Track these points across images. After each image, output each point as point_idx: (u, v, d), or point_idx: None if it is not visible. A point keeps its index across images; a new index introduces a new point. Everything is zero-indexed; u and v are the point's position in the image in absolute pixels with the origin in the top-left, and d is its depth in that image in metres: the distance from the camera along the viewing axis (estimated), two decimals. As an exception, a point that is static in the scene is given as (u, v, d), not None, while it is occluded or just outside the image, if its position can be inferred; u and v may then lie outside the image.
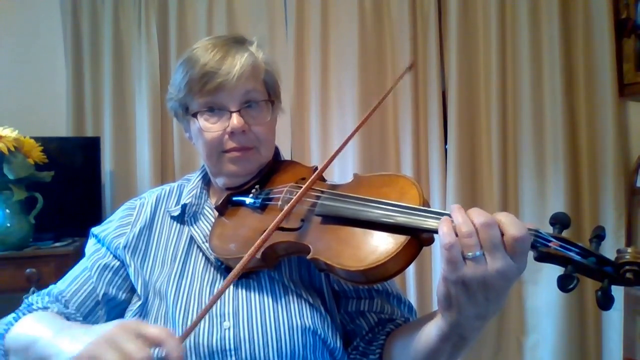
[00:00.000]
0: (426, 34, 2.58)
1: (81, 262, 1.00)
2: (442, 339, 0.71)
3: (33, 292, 1.99)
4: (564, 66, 2.45)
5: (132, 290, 0.95)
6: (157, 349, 0.62)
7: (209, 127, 0.94)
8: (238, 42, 0.97)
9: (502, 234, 0.63)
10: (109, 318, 0.94)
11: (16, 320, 0.88)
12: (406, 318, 0.93)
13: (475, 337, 0.71)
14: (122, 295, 0.95)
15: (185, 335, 0.70)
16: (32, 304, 0.92)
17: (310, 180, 0.82)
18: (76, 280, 0.95)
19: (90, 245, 1.03)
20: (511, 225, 0.63)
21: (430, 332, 0.73)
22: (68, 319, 0.90)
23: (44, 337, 0.77)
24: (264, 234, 0.76)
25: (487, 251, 0.63)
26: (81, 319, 0.91)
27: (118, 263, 0.97)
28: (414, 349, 0.77)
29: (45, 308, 0.90)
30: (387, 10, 2.60)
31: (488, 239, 0.62)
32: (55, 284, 0.97)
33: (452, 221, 0.65)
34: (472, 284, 0.63)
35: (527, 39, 2.48)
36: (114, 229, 1.00)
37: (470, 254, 0.63)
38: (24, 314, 0.89)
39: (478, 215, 0.64)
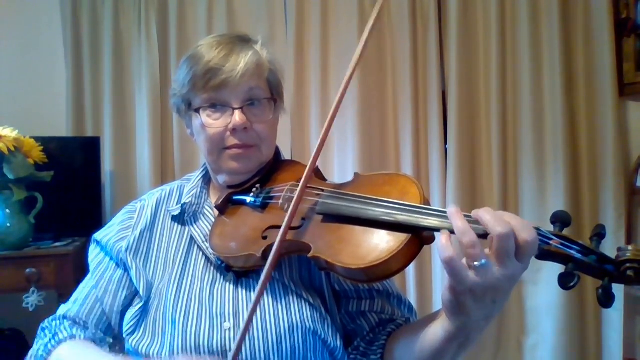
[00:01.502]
0: (426, 34, 2.58)
1: (87, 279, 1.00)
2: (448, 339, 0.71)
3: (33, 292, 2.00)
4: (564, 66, 2.45)
5: (136, 292, 0.96)
6: None
7: (211, 123, 0.94)
8: (243, 40, 0.98)
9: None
10: (122, 327, 0.95)
11: (48, 353, 0.88)
12: (407, 318, 0.93)
13: (480, 335, 0.72)
14: (130, 302, 0.96)
15: (238, 350, 0.74)
16: (57, 334, 0.91)
17: (305, 175, 0.81)
18: (86, 302, 0.96)
19: (93, 254, 1.03)
20: (523, 230, 0.62)
21: (436, 333, 0.73)
22: (94, 341, 0.92)
23: None
24: (279, 236, 0.76)
25: (500, 260, 0.62)
26: (102, 335, 0.94)
27: (121, 272, 0.97)
28: (418, 350, 0.77)
29: (72, 336, 0.91)
30: (387, 10, 2.59)
31: (504, 249, 0.61)
32: (65, 303, 0.99)
33: (453, 231, 0.65)
34: (479, 290, 0.63)
35: (527, 39, 2.48)
36: (116, 232, 1.00)
37: (476, 263, 0.62)
38: (52, 346, 0.89)
39: (493, 224, 0.62)
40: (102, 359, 0.85)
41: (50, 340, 0.90)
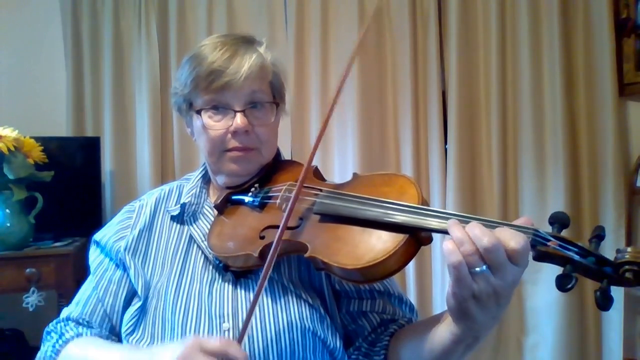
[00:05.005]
0: (426, 34, 2.58)
1: (88, 280, 1.00)
2: (456, 341, 0.72)
3: (33, 292, 2.01)
4: (564, 66, 2.44)
5: (136, 292, 0.96)
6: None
7: (212, 124, 0.93)
8: (247, 41, 0.97)
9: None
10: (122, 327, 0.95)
11: (56, 354, 0.89)
12: (408, 318, 0.93)
13: (489, 333, 0.72)
14: (130, 301, 0.97)
15: (240, 338, 0.73)
16: (64, 334, 0.92)
17: (302, 174, 0.81)
18: (88, 303, 0.96)
19: (93, 255, 1.03)
20: (510, 240, 0.63)
21: (443, 335, 0.74)
22: (101, 337, 0.93)
23: None
24: (276, 238, 0.75)
25: (495, 269, 0.63)
26: (108, 333, 0.94)
27: (120, 272, 0.97)
28: (426, 351, 0.78)
29: (79, 335, 0.91)
30: (387, 10, 2.59)
31: (495, 260, 0.63)
32: (67, 306, 0.99)
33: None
34: (482, 296, 0.64)
35: (527, 39, 2.48)
36: (114, 232, 1.00)
37: (477, 269, 0.63)
38: (60, 346, 0.90)
39: (480, 237, 0.63)
40: (111, 349, 0.86)
41: (57, 340, 0.91)
